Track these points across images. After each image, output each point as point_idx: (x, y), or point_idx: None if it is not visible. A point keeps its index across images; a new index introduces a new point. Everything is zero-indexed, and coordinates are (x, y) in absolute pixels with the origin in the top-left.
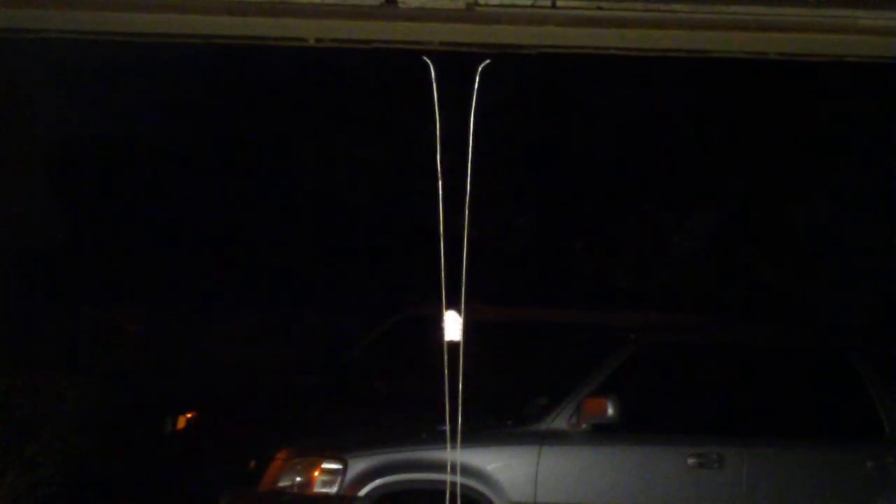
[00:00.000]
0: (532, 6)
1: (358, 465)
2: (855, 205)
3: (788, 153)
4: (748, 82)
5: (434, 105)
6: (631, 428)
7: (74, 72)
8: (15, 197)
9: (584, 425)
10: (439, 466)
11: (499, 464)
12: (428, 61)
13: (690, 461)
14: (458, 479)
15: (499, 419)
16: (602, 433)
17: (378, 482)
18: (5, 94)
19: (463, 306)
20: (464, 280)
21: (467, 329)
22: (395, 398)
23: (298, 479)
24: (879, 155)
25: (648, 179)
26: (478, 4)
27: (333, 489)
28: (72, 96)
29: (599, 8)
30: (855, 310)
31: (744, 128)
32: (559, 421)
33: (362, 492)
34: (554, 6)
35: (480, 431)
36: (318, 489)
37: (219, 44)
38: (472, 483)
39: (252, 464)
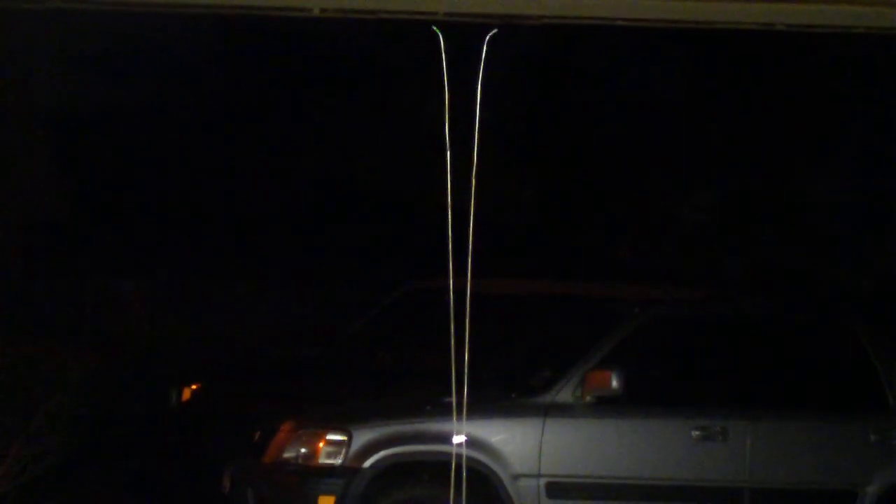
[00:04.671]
0: None
1: (363, 437)
2: (862, 179)
3: (795, 127)
4: (756, 55)
5: (442, 76)
6: (635, 401)
7: (76, 44)
8: (17, 170)
9: (588, 398)
10: (444, 438)
11: (503, 436)
12: (437, 31)
13: (694, 434)
14: (464, 451)
15: (503, 391)
16: (606, 406)
17: (383, 454)
18: (6, 66)
19: (469, 279)
20: (470, 253)
21: (472, 302)
22: (400, 370)
23: (303, 450)
24: (887, 129)
25: (654, 153)
26: None
27: (338, 460)
28: (73, 68)
29: None
30: (860, 283)
31: (750, 101)
32: (563, 393)
33: (367, 463)
34: None
35: (485, 404)
36: (323, 460)
37: (221, 14)
38: (476, 455)
39: (257, 435)
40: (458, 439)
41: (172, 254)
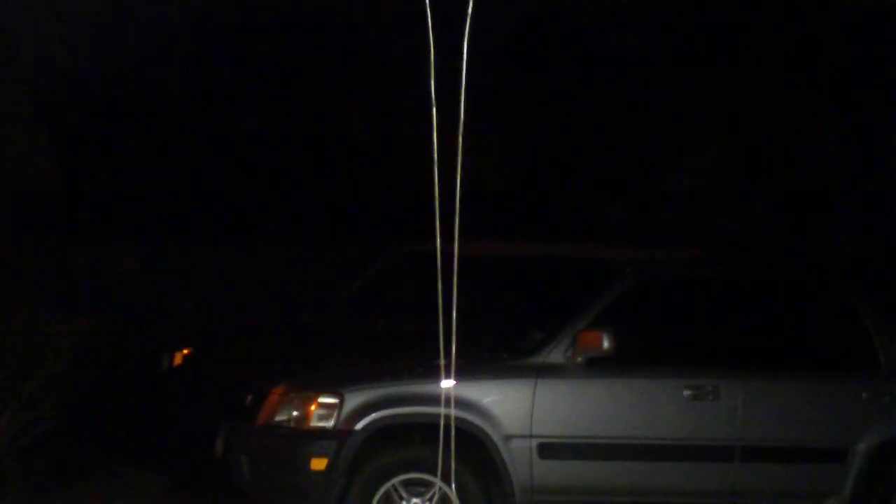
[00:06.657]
0: None
1: (354, 399)
2: (857, 140)
3: (788, 89)
4: (748, 18)
5: (428, 37)
6: (626, 361)
7: (70, 9)
8: (11, 138)
9: (579, 358)
10: (435, 400)
11: (495, 397)
12: None
13: (686, 393)
14: (453, 412)
15: (494, 353)
16: (597, 366)
17: (374, 416)
18: None
19: (456, 241)
20: (457, 214)
21: (462, 264)
22: (391, 334)
23: (295, 413)
24: (880, 91)
25: (647, 116)
26: None
27: (330, 423)
28: (66, 35)
29: None
30: (852, 244)
31: (743, 64)
32: (555, 354)
33: (359, 425)
34: None
35: (476, 365)
36: (315, 423)
37: None
38: (467, 416)
39: (248, 399)
40: (449, 399)
41: (165, 219)
